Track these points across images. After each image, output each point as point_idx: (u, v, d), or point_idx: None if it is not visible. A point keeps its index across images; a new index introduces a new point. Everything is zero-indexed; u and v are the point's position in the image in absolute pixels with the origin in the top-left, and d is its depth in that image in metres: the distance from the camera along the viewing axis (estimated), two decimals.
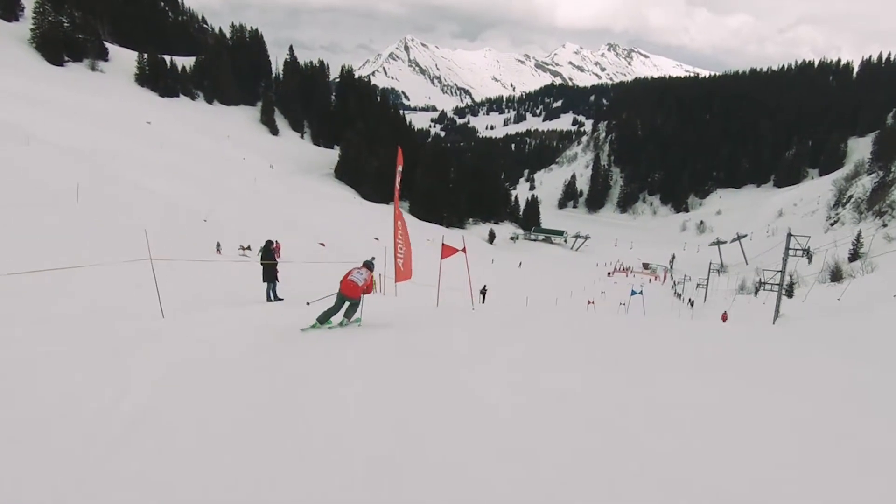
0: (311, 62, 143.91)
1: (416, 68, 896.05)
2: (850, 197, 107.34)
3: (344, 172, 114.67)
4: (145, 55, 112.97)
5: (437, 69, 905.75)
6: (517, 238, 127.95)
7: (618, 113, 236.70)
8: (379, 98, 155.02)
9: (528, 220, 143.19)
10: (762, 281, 35.17)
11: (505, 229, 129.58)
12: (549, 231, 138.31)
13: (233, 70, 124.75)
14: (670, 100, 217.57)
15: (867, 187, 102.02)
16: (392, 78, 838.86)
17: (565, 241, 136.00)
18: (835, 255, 71.49)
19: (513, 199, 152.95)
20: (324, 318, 10.27)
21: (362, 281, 10.72)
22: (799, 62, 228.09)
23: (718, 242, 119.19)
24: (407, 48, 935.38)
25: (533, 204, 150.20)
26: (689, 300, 61.47)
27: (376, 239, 65.70)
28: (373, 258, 12.69)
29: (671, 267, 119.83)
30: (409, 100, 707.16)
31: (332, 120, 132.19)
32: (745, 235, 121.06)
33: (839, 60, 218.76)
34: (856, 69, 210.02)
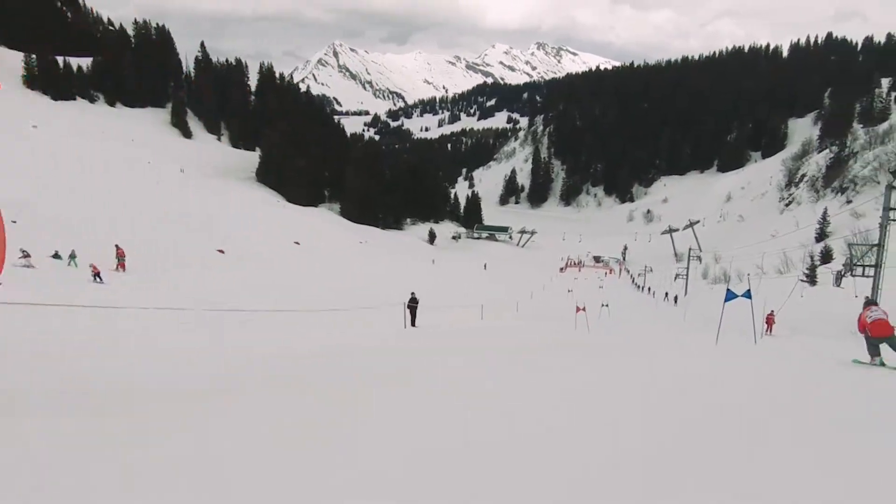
0: (228, 60, 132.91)
1: (347, 73, 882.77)
2: (804, 176, 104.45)
3: (267, 175, 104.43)
4: (33, 56, 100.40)
5: (368, 74, 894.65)
6: (459, 237, 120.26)
7: (554, 106, 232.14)
8: (304, 97, 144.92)
9: (470, 218, 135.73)
10: (851, 263, 27.20)
11: (446, 228, 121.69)
12: (492, 228, 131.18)
13: (138, 70, 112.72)
14: (607, 90, 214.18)
15: (821, 164, 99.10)
16: (322, 84, 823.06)
17: (510, 237, 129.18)
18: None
19: (452, 197, 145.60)
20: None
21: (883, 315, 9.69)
22: (730, 48, 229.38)
23: (671, 230, 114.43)
24: (336, 54, 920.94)
25: (474, 201, 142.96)
26: (673, 296, 53.96)
27: (297, 243, 56.79)
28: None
29: (624, 259, 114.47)
30: (341, 105, 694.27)
31: (253, 121, 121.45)
32: (698, 221, 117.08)
33: (769, 45, 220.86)
34: (785, 53, 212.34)
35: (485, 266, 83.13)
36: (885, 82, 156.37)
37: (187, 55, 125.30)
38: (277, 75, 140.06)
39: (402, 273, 55.55)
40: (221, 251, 38.64)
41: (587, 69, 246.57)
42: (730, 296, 13.48)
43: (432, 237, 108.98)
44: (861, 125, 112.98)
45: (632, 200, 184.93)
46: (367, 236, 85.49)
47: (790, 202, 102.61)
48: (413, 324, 20.95)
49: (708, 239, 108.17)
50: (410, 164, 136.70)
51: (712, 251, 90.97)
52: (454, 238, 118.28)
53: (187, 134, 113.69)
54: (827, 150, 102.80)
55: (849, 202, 78.53)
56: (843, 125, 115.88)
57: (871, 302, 10.39)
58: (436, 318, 24.05)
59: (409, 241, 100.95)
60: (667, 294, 52.67)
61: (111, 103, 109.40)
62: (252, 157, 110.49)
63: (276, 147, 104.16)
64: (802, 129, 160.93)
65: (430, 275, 60.40)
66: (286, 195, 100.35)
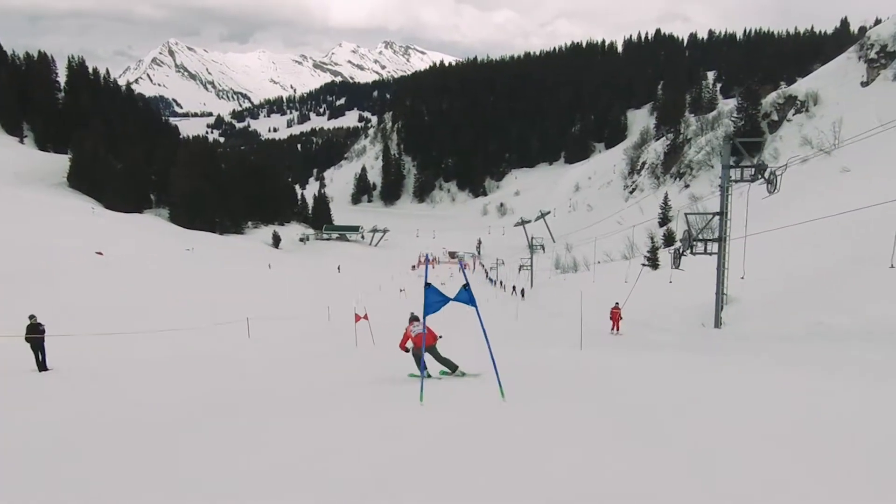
0: (28, 53, 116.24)
1: (186, 74, 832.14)
2: (644, 163, 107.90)
3: (81, 179, 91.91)
4: None
5: (209, 74, 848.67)
6: (307, 239, 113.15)
7: (402, 102, 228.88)
8: (125, 93, 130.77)
9: (319, 218, 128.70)
10: (690, 239, 24.64)
11: (293, 230, 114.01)
12: (342, 228, 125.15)
13: None
14: (453, 84, 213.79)
15: (659, 152, 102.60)
16: (159, 85, 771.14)
17: (362, 237, 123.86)
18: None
19: (300, 198, 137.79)
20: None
21: (425, 330, 9.54)
22: (568, 44, 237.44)
23: (523, 222, 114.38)
24: (172, 52, 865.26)
25: (321, 200, 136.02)
26: (519, 289, 51.30)
27: (99, 254, 48.11)
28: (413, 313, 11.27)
29: (479, 253, 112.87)
30: (181, 107, 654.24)
31: (63, 120, 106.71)
32: (549, 212, 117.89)
33: (604, 41, 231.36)
34: (619, 48, 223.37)
35: (338, 268, 77.56)
36: (711, 75, 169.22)
37: None
38: (91, 70, 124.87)
39: (232, 282, 48.99)
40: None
41: (433, 64, 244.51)
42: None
43: (277, 240, 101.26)
44: (692, 114, 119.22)
45: (485, 195, 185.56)
46: (196, 243, 76.60)
47: (634, 189, 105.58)
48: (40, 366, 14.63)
49: (559, 228, 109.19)
50: (250, 163, 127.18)
51: (564, 240, 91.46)
52: (302, 240, 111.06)
53: None
54: (664, 138, 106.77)
55: (687, 186, 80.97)
56: (676, 114, 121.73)
57: (414, 317, 10.85)
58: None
59: (250, 246, 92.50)
60: (514, 287, 49.72)
61: None
62: (63, 161, 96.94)
63: (89, 148, 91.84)
64: (640, 119, 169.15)
65: (266, 281, 53.96)
66: (104, 201, 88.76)
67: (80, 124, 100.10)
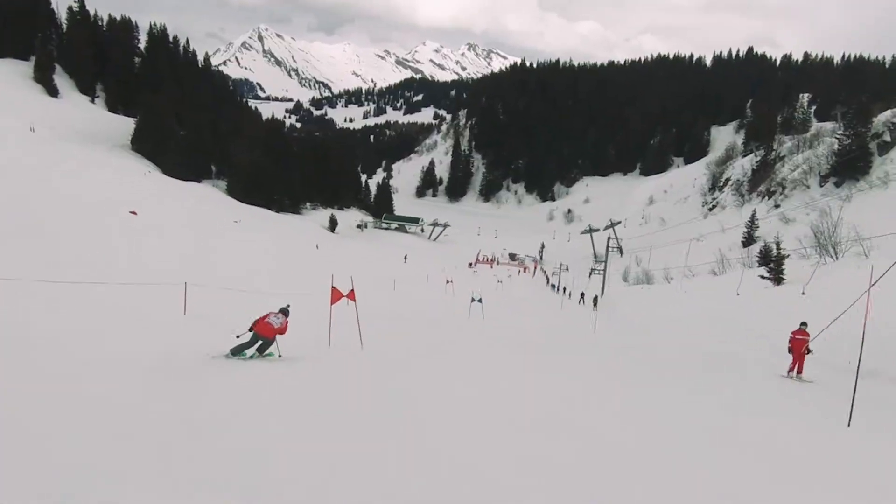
0: (111, 15, 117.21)
1: (272, 59, 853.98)
2: (728, 180, 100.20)
3: (143, 143, 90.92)
4: None
5: (294, 61, 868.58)
6: (365, 226, 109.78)
7: (478, 100, 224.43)
8: (201, 60, 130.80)
9: (380, 206, 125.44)
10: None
11: (351, 216, 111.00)
12: (402, 218, 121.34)
13: None
14: (532, 84, 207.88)
15: (746, 169, 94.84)
16: (246, 69, 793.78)
17: (422, 229, 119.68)
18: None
19: (364, 185, 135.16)
20: (237, 351, 11.20)
21: (278, 324, 11.68)
22: (654, 55, 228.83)
23: (591, 230, 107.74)
24: (261, 38, 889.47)
25: (385, 189, 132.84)
26: (590, 297, 45.09)
27: (133, 213, 45.21)
28: (288, 305, 12.67)
29: (541, 257, 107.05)
30: (264, 91, 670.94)
31: (137, 84, 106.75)
32: (619, 222, 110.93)
33: (692, 55, 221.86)
34: (708, 63, 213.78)
35: (405, 258, 74.86)
36: (804, 97, 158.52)
37: (58, 5, 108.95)
38: (171, 38, 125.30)
39: (270, 257, 45.53)
40: None
41: (513, 64, 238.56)
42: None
43: (333, 224, 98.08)
44: (783, 134, 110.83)
45: (553, 199, 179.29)
46: (248, 216, 73.98)
47: (714, 206, 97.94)
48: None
49: (629, 241, 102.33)
50: (314, 141, 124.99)
51: (632, 252, 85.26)
52: (359, 227, 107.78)
53: (52, 92, 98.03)
54: (752, 155, 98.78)
55: (777, 206, 73.44)
56: (767, 132, 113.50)
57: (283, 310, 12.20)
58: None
59: (304, 227, 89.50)
60: (582, 295, 43.29)
61: None
62: (130, 124, 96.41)
63: (155, 112, 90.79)
64: (725, 136, 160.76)
65: (310, 262, 50.13)
66: (162, 166, 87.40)
67: (152, 90, 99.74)
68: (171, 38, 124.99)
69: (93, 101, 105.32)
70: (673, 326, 17.75)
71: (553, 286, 66.31)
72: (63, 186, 44.54)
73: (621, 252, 73.36)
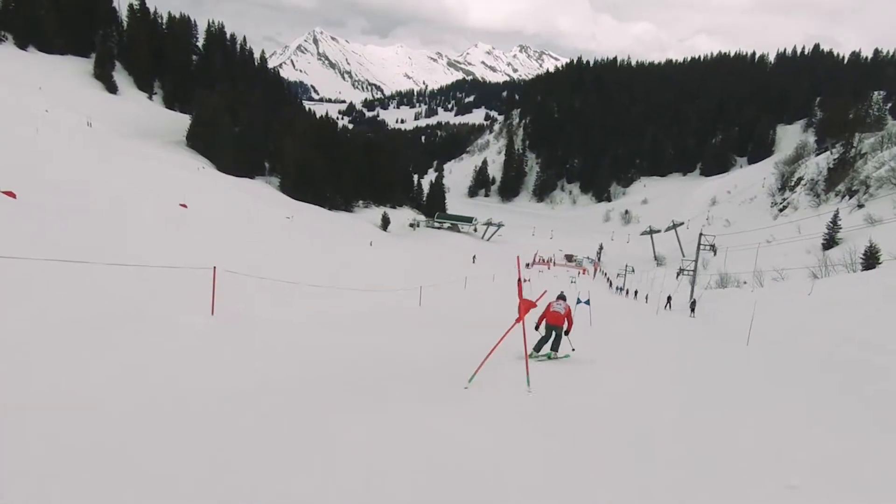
0: (171, 13, 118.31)
1: (326, 62, 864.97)
2: (800, 179, 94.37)
3: (197, 139, 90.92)
4: None
5: (348, 64, 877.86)
6: (417, 225, 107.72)
7: (532, 98, 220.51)
8: (257, 59, 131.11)
9: (433, 206, 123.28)
10: None
11: (403, 215, 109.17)
12: (455, 218, 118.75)
13: (60, 11, 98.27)
14: (588, 82, 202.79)
15: (822, 167, 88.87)
16: (301, 71, 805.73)
17: (475, 229, 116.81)
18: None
19: (416, 184, 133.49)
20: (538, 347, 10.78)
21: (563, 310, 10.95)
22: (714, 53, 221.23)
23: (651, 231, 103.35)
24: (316, 41, 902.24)
25: (438, 188, 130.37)
26: (685, 301, 40.53)
27: (183, 206, 43.83)
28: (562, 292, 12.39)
29: (599, 259, 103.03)
30: (318, 93, 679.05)
31: (194, 81, 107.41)
32: (682, 223, 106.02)
33: (754, 53, 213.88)
34: (772, 60, 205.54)
35: (473, 258, 73.12)
36: (878, 94, 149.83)
37: (119, 2, 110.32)
38: (229, 36, 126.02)
39: (320, 254, 43.43)
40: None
41: (569, 61, 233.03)
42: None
43: (386, 222, 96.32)
44: (858, 132, 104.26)
45: (609, 200, 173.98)
46: (300, 213, 72.63)
47: (784, 207, 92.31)
48: None
49: (691, 243, 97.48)
50: (366, 139, 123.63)
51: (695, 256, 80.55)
52: (412, 226, 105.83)
53: (111, 88, 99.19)
54: (828, 152, 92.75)
55: (860, 206, 68.00)
56: (842, 129, 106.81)
57: (561, 296, 11.43)
58: None
59: (357, 225, 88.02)
60: (669, 299, 38.34)
61: (22, 46, 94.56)
62: (186, 121, 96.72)
63: (210, 108, 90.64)
64: (792, 135, 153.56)
65: (360, 261, 47.80)
66: (217, 163, 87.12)
67: (207, 87, 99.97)
68: (228, 37, 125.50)
69: (150, 98, 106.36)
70: (823, 339, 14.40)
71: (618, 289, 62.60)
72: (113, 179, 43.40)
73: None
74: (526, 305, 9.17)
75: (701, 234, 38.22)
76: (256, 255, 30.68)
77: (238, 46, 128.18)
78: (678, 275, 57.79)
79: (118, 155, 59.70)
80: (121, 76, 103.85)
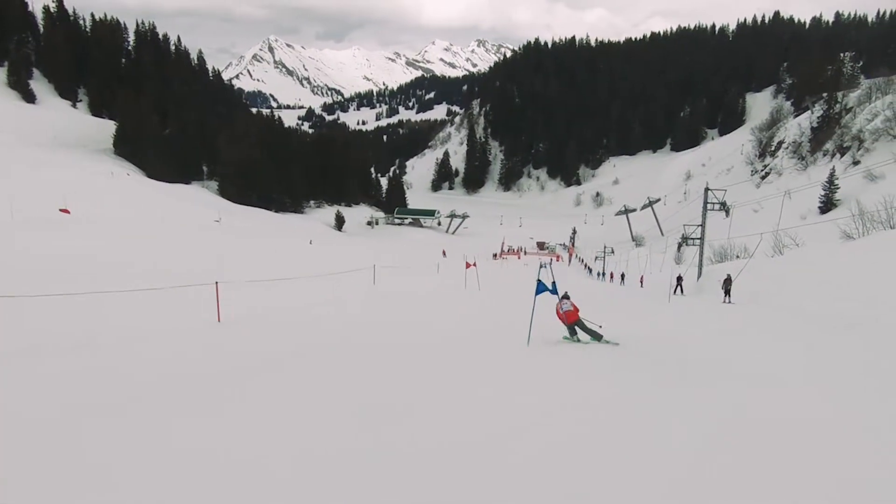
0: (93, 15, 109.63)
1: (283, 70, 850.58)
2: (780, 143, 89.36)
3: (125, 145, 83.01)
4: None
5: (306, 70, 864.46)
6: (376, 222, 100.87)
7: (491, 84, 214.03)
8: (194, 59, 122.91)
9: (393, 202, 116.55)
10: None
11: (361, 213, 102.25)
12: (416, 212, 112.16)
13: None
14: (548, 63, 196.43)
15: (804, 127, 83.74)
16: (258, 80, 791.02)
17: (439, 222, 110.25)
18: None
19: (377, 183, 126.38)
20: (571, 334, 11.57)
21: (572, 307, 11.56)
22: (674, 28, 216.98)
23: (627, 210, 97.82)
24: (271, 49, 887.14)
25: (396, 183, 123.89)
26: (687, 283, 30.22)
27: (64, 211, 36.57)
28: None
29: (573, 244, 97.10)
30: (277, 102, 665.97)
31: (123, 86, 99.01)
32: (658, 200, 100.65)
33: (714, 25, 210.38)
34: (732, 30, 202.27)
35: (443, 253, 66.00)
36: (846, 55, 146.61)
37: (34, 5, 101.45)
38: (161, 36, 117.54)
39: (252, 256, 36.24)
40: None
41: (526, 43, 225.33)
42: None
43: (340, 221, 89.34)
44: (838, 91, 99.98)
45: (578, 183, 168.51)
46: (237, 216, 65.32)
47: (767, 174, 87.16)
48: None
49: (670, 220, 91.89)
50: (316, 135, 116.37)
51: (676, 233, 74.78)
52: (369, 224, 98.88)
53: (29, 98, 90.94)
54: (808, 112, 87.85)
55: (856, 163, 62.64)
56: (817, 89, 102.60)
57: (565, 296, 11.62)
58: None
59: (305, 226, 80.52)
60: (679, 280, 27.97)
61: None
62: (113, 128, 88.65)
63: (135, 112, 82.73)
64: (761, 103, 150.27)
65: (300, 262, 40.73)
66: (146, 169, 79.33)
67: (138, 90, 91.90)
68: (160, 37, 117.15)
69: (74, 106, 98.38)
70: None
71: (599, 274, 55.81)
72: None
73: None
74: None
75: (707, 190, 30.60)
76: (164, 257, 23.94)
77: (172, 46, 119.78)
78: (680, 246, 51.32)
79: (14, 163, 52.10)
80: (40, 84, 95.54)
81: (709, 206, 31.54)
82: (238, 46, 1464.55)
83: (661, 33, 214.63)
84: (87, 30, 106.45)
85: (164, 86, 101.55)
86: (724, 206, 31.83)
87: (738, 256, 37.23)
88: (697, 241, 32.70)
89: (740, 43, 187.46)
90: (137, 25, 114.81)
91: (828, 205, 53.90)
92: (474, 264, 26.81)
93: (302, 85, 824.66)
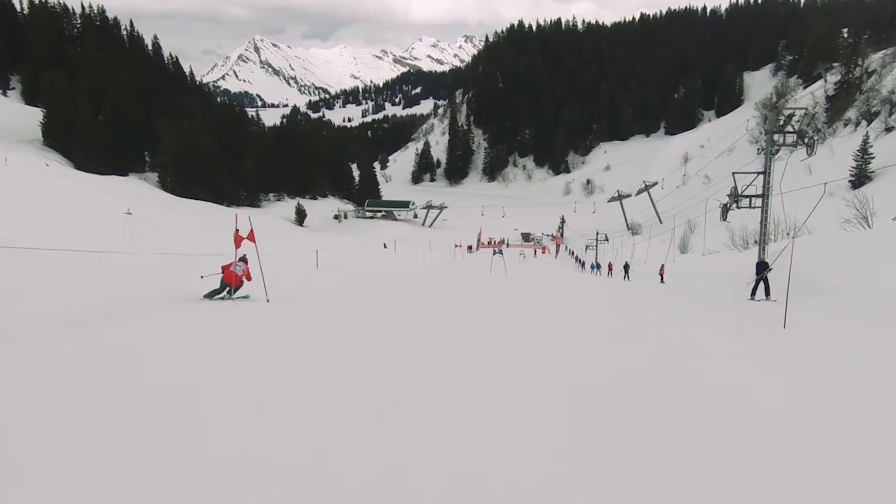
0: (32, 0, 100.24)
1: (270, 69, 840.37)
2: (791, 116, 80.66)
3: (55, 135, 74.03)
4: None
5: (292, 69, 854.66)
6: (344, 216, 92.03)
7: (473, 69, 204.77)
8: (149, 44, 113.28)
9: (366, 194, 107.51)
10: None
11: (327, 206, 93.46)
12: (389, 203, 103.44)
13: None
14: (533, 46, 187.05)
15: (818, 97, 75.44)
16: (245, 81, 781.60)
17: (414, 215, 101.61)
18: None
19: (348, 173, 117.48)
20: (211, 295, 12.00)
21: (241, 272, 12.30)
22: (664, 11, 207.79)
23: (621, 196, 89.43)
24: (257, 49, 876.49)
25: (368, 175, 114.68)
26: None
27: None
28: (245, 255, 12.80)
29: (562, 234, 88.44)
30: (264, 102, 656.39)
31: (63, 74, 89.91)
32: (655, 184, 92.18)
33: (705, 7, 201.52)
34: (724, 10, 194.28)
35: (384, 245, 56.48)
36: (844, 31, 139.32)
37: None
38: (111, 20, 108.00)
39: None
40: None
41: (510, 26, 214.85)
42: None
43: (301, 216, 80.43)
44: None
45: (567, 171, 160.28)
46: (169, 209, 56.30)
47: (778, 150, 78.52)
48: None
49: (668, 205, 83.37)
50: (277, 127, 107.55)
51: (673, 219, 66.20)
52: (336, 217, 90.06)
53: None
54: (822, 80, 79.65)
55: (888, 129, 54.46)
56: (830, 57, 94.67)
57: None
58: None
59: (261, 221, 71.12)
60: (767, 269, 18.46)
61: None
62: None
63: (60, 96, 73.71)
64: (760, 81, 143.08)
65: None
66: (75, 160, 70.37)
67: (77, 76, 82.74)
68: (110, 20, 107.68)
69: (5, 94, 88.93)
70: None
71: (594, 266, 46.59)
72: None
73: (659, 220, 54.06)
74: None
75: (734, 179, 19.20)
76: None
77: (124, 31, 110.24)
78: (724, 214, 42.47)
79: None
80: None
81: (777, 145, 20.10)
82: (224, 48, 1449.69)
83: (651, 16, 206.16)
84: (24, 13, 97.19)
85: (109, 73, 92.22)
86: (726, 207, 22.20)
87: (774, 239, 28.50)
88: (747, 203, 21.28)
89: (733, 24, 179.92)
90: (83, 9, 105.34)
91: (861, 178, 45.59)
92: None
93: (289, 84, 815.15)
